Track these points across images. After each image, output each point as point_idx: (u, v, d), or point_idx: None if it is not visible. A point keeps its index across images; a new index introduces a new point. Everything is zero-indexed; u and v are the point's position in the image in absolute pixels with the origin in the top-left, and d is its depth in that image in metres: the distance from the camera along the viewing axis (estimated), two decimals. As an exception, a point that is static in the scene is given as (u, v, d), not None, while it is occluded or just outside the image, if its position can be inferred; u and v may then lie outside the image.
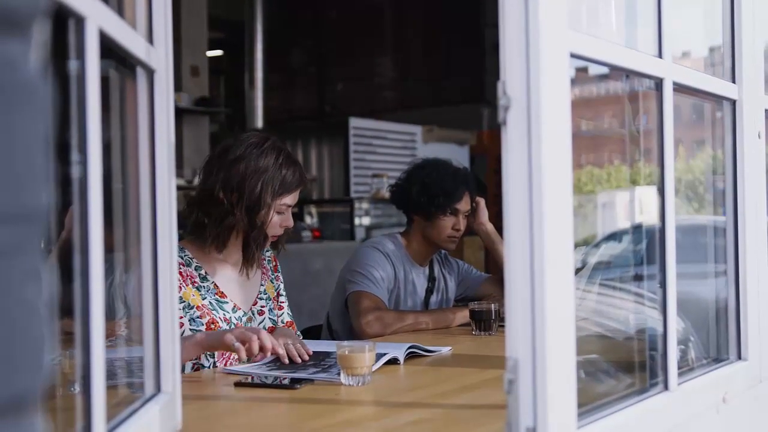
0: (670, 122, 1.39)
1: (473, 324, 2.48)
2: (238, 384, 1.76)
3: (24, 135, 0.53)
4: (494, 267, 2.99)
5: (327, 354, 2.00)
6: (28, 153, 0.54)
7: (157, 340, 1.23)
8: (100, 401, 0.89)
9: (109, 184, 0.93)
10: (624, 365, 1.56)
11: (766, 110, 1.76)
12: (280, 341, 1.91)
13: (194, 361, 2.03)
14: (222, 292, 2.14)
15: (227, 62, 9.74)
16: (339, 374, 1.74)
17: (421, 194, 2.74)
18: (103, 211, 0.90)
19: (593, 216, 1.80)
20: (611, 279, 1.81)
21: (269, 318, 2.25)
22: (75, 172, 0.87)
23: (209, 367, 2.06)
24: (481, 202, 2.86)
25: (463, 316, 2.61)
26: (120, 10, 1.07)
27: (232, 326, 2.11)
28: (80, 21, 0.86)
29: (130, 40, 1.07)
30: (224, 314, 2.12)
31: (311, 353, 1.98)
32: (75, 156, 0.87)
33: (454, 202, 2.74)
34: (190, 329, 2.04)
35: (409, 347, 2.03)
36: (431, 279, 2.88)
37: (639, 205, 1.67)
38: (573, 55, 1.11)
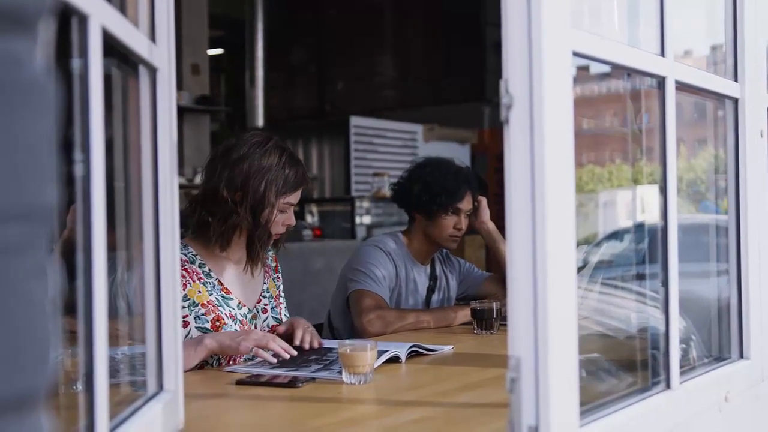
0: (672, 121, 1.39)
1: (475, 323, 2.48)
2: (240, 382, 1.76)
3: (30, 133, 0.53)
4: (495, 266, 2.99)
5: (329, 349, 2.03)
6: (34, 151, 0.54)
7: (159, 338, 1.23)
8: (103, 399, 0.89)
9: (111, 182, 0.93)
10: (626, 364, 1.56)
11: (768, 109, 1.76)
12: (301, 329, 2.12)
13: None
14: (227, 289, 2.15)
15: (228, 61, 9.74)
16: (341, 372, 1.74)
17: (423, 193, 2.74)
18: (106, 209, 0.90)
19: (595, 215, 1.81)
20: (613, 278, 1.81)
21: (272, 316, 2.25)
22: (78, 170, 0.87)
23: (212, 365, 2.06)
24: (483, 201, 2.86)
25: (464, 314, 2.61)
26: (123, 9, 1.07)
27: (238, 323, 2.12)
28: (83, 19, 0.86)
29: (133, 38, 1.07)
30: (230, 310, 2.12)
31: (323, 344, 2.12)
32: (78, 154, 0.87)
33: (456, 201, 2.74)
34: (196, 327, 2.05)
35: (411, 347, 2.03)
36: (433, 278, 2.88)
37: (640, 204, 1.66)
38: (575, 54, 1.11)
